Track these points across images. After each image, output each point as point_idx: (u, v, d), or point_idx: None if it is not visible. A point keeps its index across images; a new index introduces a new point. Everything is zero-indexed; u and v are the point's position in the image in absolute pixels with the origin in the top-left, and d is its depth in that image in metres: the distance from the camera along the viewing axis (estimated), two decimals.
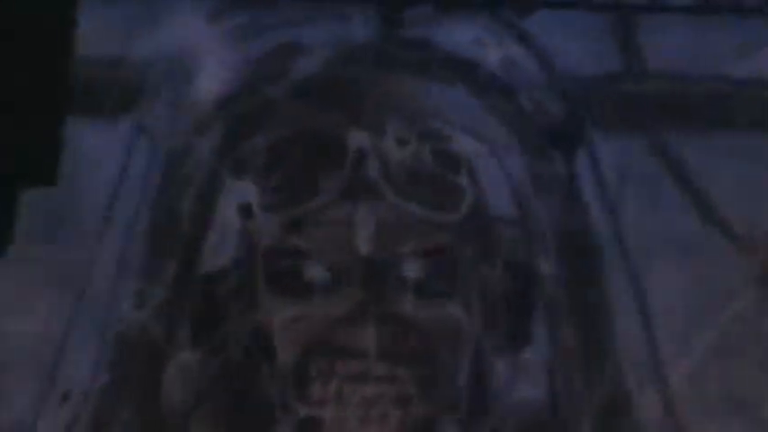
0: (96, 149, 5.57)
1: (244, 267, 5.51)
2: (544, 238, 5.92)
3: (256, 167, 5.78)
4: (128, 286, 5.23)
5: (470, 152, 6.22)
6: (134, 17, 6.24)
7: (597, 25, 5.90)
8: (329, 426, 5.55)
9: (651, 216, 5.84)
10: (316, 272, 5.67)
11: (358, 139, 5.98)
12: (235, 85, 5.83)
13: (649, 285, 5.88)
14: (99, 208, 5.42)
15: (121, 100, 5.77)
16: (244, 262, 5.51)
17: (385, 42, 6.19)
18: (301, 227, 5.79)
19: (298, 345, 5.70)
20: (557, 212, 5.92)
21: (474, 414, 5.57)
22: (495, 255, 5.85)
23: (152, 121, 5.70)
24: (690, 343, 5.80)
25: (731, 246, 5.89)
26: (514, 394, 5.57)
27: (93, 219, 5.46)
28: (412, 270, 5.89)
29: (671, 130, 5.97)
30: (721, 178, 5.98)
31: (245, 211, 5.61)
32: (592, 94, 5.97)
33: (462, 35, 6.21)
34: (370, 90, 6.04)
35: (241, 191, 5.70)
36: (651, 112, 5.95)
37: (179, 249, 5.30)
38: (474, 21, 6.20)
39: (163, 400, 5.01)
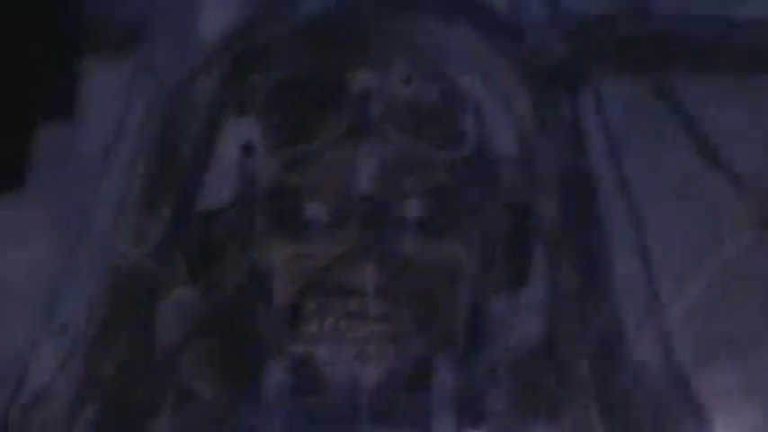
0: (99, 88, 5.62)
1: (243, 205, 5.54)
2: (547, 179, 5.91)
3: (259, 106, 5.80)
4: (126, 225, 5.29)
5: (475, 92, 6.19)
6: None
7: None
8: (323, 362, 5.60)
9: (653, 158, 5.81)
10: (315, 211, 5.70)
11: (362, 78, 5.97)
12: (238, 24, 5.83)
13: (650, 227, 5.87)
14: (100, 147, 5.47)
15: (125, 38, 5.81)
16: (243, 200, 5.54)
17: None
18: (302, 166, 5.80)
19: (295, 283, 5.73)
20: (560, 153, 5.90)
21: (470, 352, 5.59)
22: (497, 195, 5.83)
23: (155, 59, 5.73)
24: (689, 284, 5.79)
25: (732, 188, 5.85)
26: (511, 334, 5.58)
27: (95, 158, 5.52)
28: (412, 209, 5.90)
29: (674, 72, 5.92)
30: (724, 120, 5.93)
31: (247, 149, 5.64)
32: (596, 34, 5.93)
33: None
34: (374, 30, 6.03)
35: (243, 129, 5.73)
36: (654, 53, 5.90)
37: (178, 187, 5.34)
38: None
39: (156, 336, 5.08)
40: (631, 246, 5.84)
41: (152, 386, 5.16)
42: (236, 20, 5.80)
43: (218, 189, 5.62)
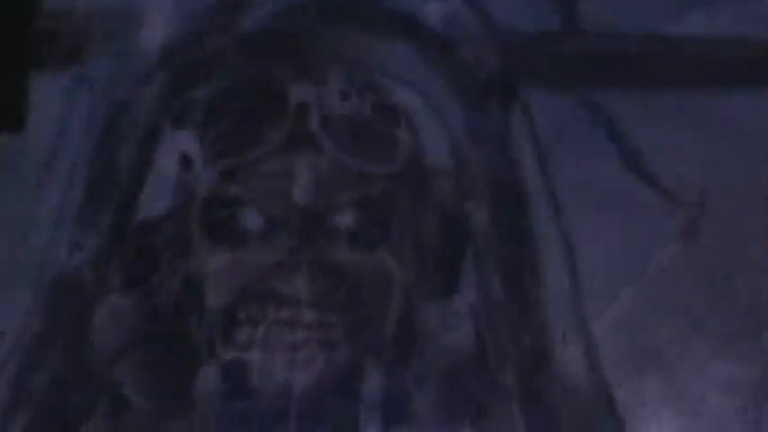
0: (39, 101, 5.82)
1: (180, 216, 5.74)
2: (479, 190, 6.12)
3: (198, 118, 6.01)
4: (65, 235, 5.48)
5: (410, 105, 6.43)
6: None
7: None
8: (255, 369, 5.81)
9: (583, 172, 6.02)
10: (251, 220, 5.90)
11: (301, 91, 6.19)
12: (179, 37, 6.04)
13: (578, 240, 6.08)
14: (40, 160, 5.67)
15: (66, 51, 6.00)
16: (180, 211, 5.74)
17: None
18: (240, 176, 6.02)
19: (228, 290, 5.95)
20: (491, 167, 6.11)
21: (399, 359, 5.81)
22: (430, 206, 6.05)
23: (95, 72, 5.93)
24: (616, 298, 6.00)
25: (659, 202, 6.06)
26: (441, 342, 5.79)
27: (34, 170, 5.72)
28: (346, 220, 6.12)
29: (604, 88, 6.13)
30: (651, 136, 6.14)
31: (185, 161, 5.83)
32: (528, 50, 6.14)
33: None
34: (315, 44, 6.24)
35: (181, 141, 5.93)
36: (585, 69, 6.11)
37: (116, 198, 5.54)
38: None
39: (91, 345, 5.28)
40: (560, 259, 6.07)
41: (86, 394, 5.36)
42: (178, 33, 5.99)
43: (156, 200, 5.82)
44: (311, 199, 5.94)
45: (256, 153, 6.01)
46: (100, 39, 5.93)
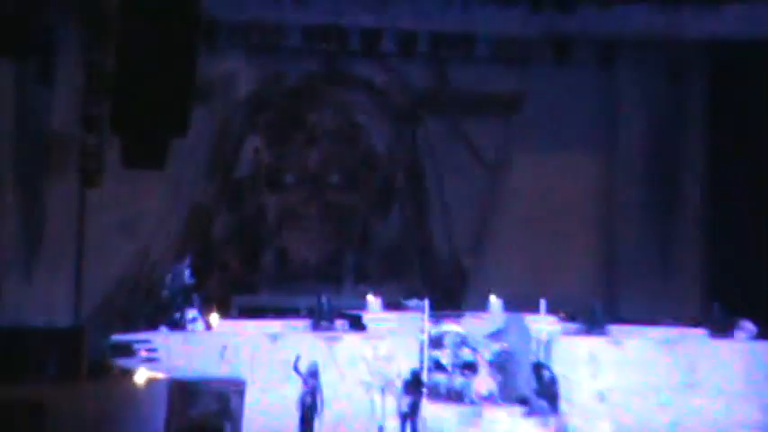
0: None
1: (254, 176, 14.44)
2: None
3: (261, 127, 14.93)
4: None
5: (366, 125, 15.48)
6: None
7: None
8: (292, 253, 14.65)
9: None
10: (288, 178, 14.74)
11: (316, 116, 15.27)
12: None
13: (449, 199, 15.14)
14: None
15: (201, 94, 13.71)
16: (254, 174, 14.51)
17: None
18: (283, 156, 14.86)
19: (275, 213, 14.81)
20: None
21: (362, 247, 14.60)
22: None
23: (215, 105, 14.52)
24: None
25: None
26: (382, 238, 14.57)
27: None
28: (334, 179, 15.11)
29: (467, 117, 14.95)
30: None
31: (256, 150, 14.36)
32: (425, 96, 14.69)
33: None
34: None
35: (253, 140, 14.56)
36: (456, 105, 14.51)
37: (224, 168, 14.17)
38: None
39: None
40: (439, 208, 14.64)
41: None
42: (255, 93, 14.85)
43: (242, 168, 14.89)
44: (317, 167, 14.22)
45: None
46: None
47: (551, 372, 19.27)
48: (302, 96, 21.23)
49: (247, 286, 20.87)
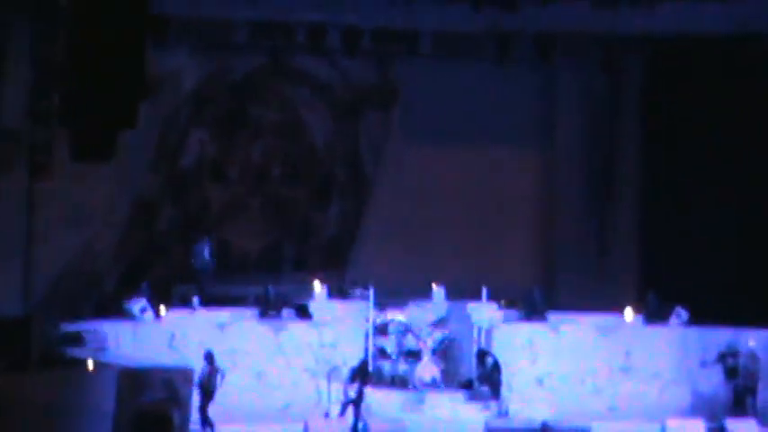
0: None
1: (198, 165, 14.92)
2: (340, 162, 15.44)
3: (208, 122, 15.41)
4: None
5: (312, 121, 16.03)
6: None
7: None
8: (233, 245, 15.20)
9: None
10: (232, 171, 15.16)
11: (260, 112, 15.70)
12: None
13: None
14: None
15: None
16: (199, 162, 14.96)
17: None
18: (226, 150, 15.36)
19: (219, 206, 15.47)
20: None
21: (304, 238, 15.17)
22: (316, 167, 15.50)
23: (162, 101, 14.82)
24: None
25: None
26: (323, 230, 15.17)
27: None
28: (276, 171, 15.83)
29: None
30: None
31: (201, 142, 14.86)
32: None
33: None
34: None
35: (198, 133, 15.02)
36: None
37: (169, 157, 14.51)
38: None
39: None
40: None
41: None
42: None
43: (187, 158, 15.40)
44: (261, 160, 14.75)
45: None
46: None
47: (494, 358, 19.76)
48: (247, 91, 21.94)
49: (189, 276, 21.06)
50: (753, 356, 20.63)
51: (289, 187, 20.95)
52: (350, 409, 19.05)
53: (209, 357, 18.09)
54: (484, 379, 19.67)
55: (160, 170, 21.27)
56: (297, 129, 21.73)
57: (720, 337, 20.26)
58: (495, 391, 19.43)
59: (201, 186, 21.62)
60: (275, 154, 21.67)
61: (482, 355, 19.93)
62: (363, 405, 19.26)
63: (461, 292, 21.43)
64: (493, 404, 19.33)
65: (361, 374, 18.84)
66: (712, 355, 20.02)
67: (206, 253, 20.54)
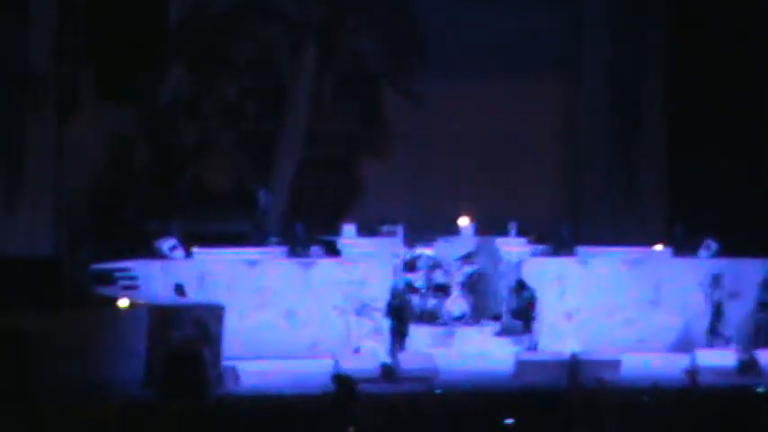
0: None
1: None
2: None
3: None
4: None
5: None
6: None
7: None
8: None
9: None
10: None
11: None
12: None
13: None
14: None
15: None
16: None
17: None
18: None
19: None
20: None
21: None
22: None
23: None
24: None
25: None
26: None
27: None
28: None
29: None
30: None
31: None
32: None
33: None
34: None
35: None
36: None
37: None
38: None
39: None
40: None
41: None
42: None
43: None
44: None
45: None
46: None
47: (532, 291, 19.59)
48: (224, 27, 21.80)
49: (161, 213, 21.36)
50: None
51: (262, 123, 21.87)
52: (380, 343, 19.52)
53: (179, 289, 18.41)
54: (518, 313, 19.63)
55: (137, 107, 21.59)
56: (271, 66, 22.20)
57: (750, 268, 20.19)
58: (527, 325, 19.43)
59: (176, 122, 21.76)
60: (249, 91, 22.08)
61: (520, 287, 19.77)
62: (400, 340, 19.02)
63: (490, 226, 21.40)
64: (523, 338, 19.43)
65: (397, 309, 18.89)
66: (742, 286, 20.03)
67: (263, 198, 20.56)
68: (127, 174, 21.64)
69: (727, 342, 19.62)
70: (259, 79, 21.90)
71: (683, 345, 19.78)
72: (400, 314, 18.94)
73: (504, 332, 19.94)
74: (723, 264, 20.43)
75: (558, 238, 21.03)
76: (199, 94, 21.23)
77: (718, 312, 19.81)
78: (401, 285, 19.59)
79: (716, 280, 19.93)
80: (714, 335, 19.86)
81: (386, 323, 18.94)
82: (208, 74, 21.31)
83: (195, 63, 21.05)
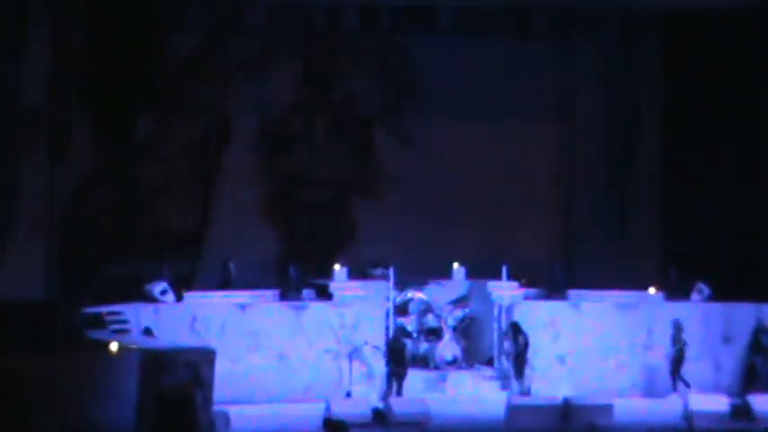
0: None
1: None
2: None
3: None
4: None
5: None
6: None
7: None
8: None
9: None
10: None
11: None
12: None
13: None
14: None
15: None
16: None
17: None
18: None
19: None
20: None
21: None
22: None
23: None
24: None
25: None
26: None
27: None
28: None
29: None
30: None
31: None
32: None
33: None
34: None
35: None
36: None
37: None
38: None
39: None
40: None
41: None
42: None
43: None
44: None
45: None
46: None
47: (526, 336, 19.55)
48: (186, 68, 21.71)
49: (122, 254, 21.50)
50: None
51: None
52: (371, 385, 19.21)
53: (147, 332, 18.41)
54: (512, 357, 19.52)
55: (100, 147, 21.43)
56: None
57: (743, 312, 20.16)
58: (520, 370, 19.41)
59: (138, 164, 21.72)
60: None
61: (514, 331, 19.72)
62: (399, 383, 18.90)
63: (481, 270, 21.80)
64: (515, 382, 19.36)
65: (395, 354, 18.92)
66: (735, 330, 20.05)
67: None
68: (89, 215, 21.66)
69: (686, 385, 19.57)
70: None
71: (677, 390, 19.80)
72: (399, 357, 18.99)
73: (496, 376, 19.92)
74: (715, 307, 20.36)
75: (551, 278, 21.06)
76: (162, 135, 21.23)
77: (679, 357, 19.95)
78: (399, 328, 19.81)
79: (677, 326, 19.87)
80: (675, 379, 19.97)
81: (379, 366, 19.04)
82: (170, 115, 21.09)
83: (158, 104, 20.55)
